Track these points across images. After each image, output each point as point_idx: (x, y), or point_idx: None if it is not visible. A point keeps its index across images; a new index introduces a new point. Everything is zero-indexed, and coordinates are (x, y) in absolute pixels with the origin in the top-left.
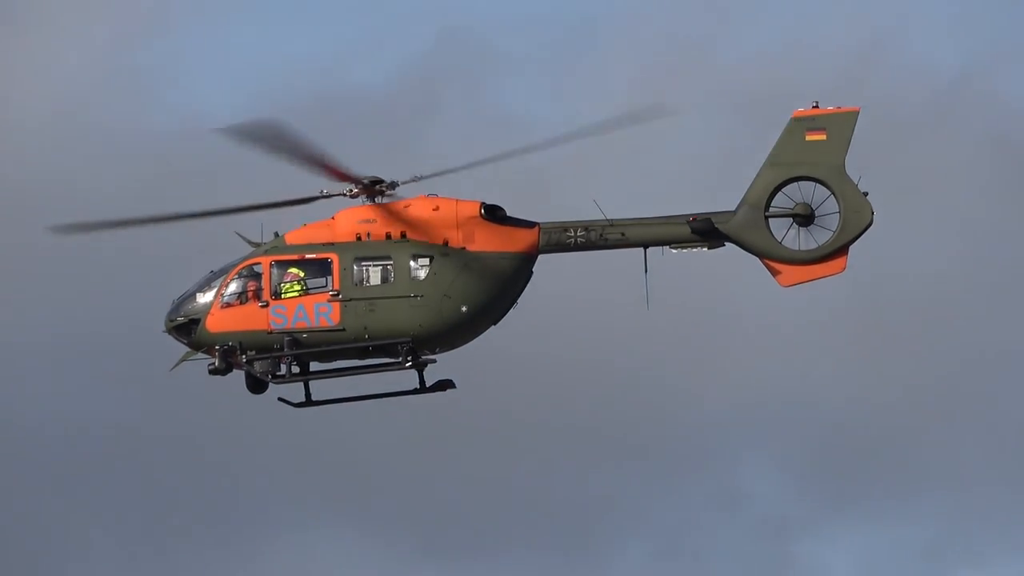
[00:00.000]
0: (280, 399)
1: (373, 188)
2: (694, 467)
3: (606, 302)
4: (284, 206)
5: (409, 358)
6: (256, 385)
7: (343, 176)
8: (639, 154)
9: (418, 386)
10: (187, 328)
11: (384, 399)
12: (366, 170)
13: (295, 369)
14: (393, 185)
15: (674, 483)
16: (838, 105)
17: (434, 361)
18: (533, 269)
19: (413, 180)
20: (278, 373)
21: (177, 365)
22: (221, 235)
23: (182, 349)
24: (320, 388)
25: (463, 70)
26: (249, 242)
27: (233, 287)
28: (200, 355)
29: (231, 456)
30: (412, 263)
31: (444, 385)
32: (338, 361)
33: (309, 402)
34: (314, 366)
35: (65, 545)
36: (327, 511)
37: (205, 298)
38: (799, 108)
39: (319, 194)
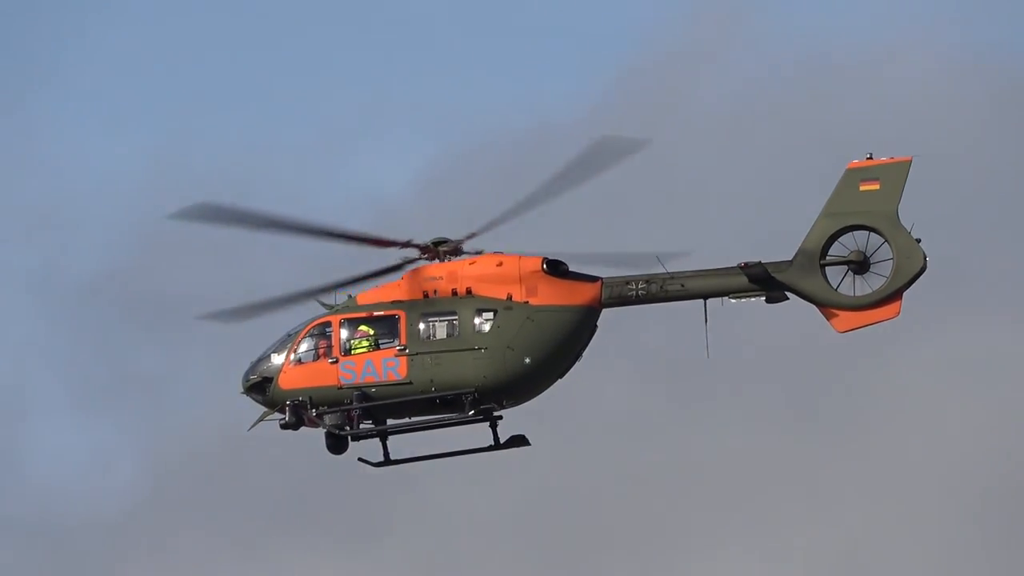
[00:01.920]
0: (360, 459)
1: (438, 248)
2: None
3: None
4: (370, 278)
5: (473, 409)
6: (336, 446)
7: (383, 243)
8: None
9: (493, 443)
10: (262, 387)
11: (460, 456)
12: (434, 231)
13: (368, 424)
14: (458, 246)
15: None
16: (891, 156)
17: (500, 416)
18: (597, 323)
19: (469, 237)
20: (349, 427)
21: (255, 424)
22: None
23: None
24: (396, 447)
25: None
26: (324, 305)
27: (304, 346)
28: (276, 414)
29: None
30: (476, 318)
31: (518, 441)
32: (410, 416)
33: (388, 461)
34: (390, 421)
35: None
36: None
37: (278, 357)
38: (854, 160)
39: (402, 261)
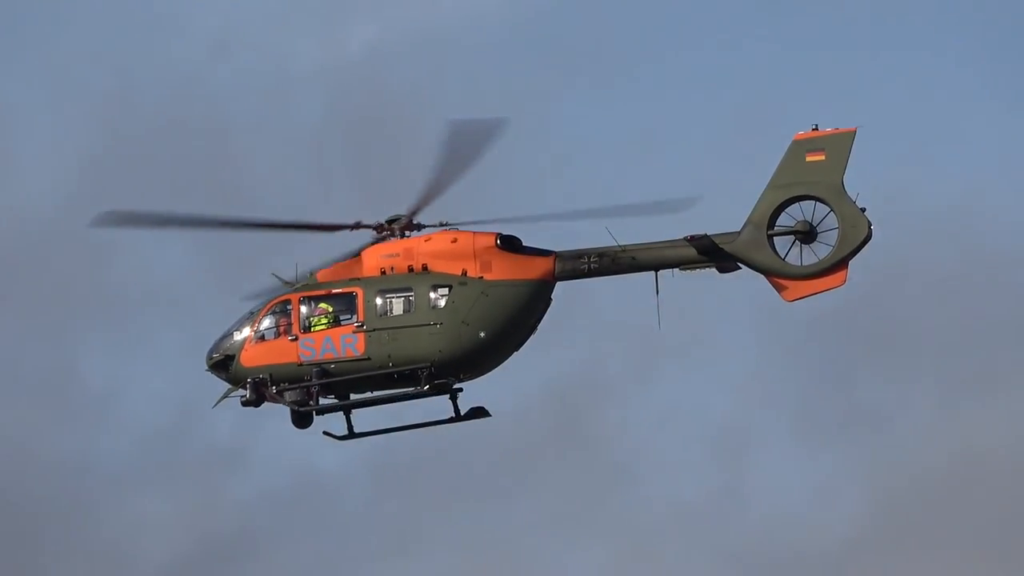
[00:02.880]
0: (325, 433)
1: (394, 225)
2: None
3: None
4: (312, 230)
5: (428, 383)
6: (301, 420)
7: (331, 228)
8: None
9: (454, 415)
10: (224, 364)
11: (422, 428)
12: (390, 208)
13: (331, 400)
14: (412, 222)
15: None
16: (836, 127)
17: (459, 388)
18: (552, 296)
19: (441, 226)
20: (308, 403)
21: (219, 401)
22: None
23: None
24: (360, 420)
25: None
26: (284, 281)
27: (265, 323)
28: (239, 391)
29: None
30: (432, 293)
31: (478, 413)
32: (370, 391)
33: (352, 434)
34: (354, 397)
35: None
36: None
37: (240, 335)
38: (800, 132)
39: (350, 225)
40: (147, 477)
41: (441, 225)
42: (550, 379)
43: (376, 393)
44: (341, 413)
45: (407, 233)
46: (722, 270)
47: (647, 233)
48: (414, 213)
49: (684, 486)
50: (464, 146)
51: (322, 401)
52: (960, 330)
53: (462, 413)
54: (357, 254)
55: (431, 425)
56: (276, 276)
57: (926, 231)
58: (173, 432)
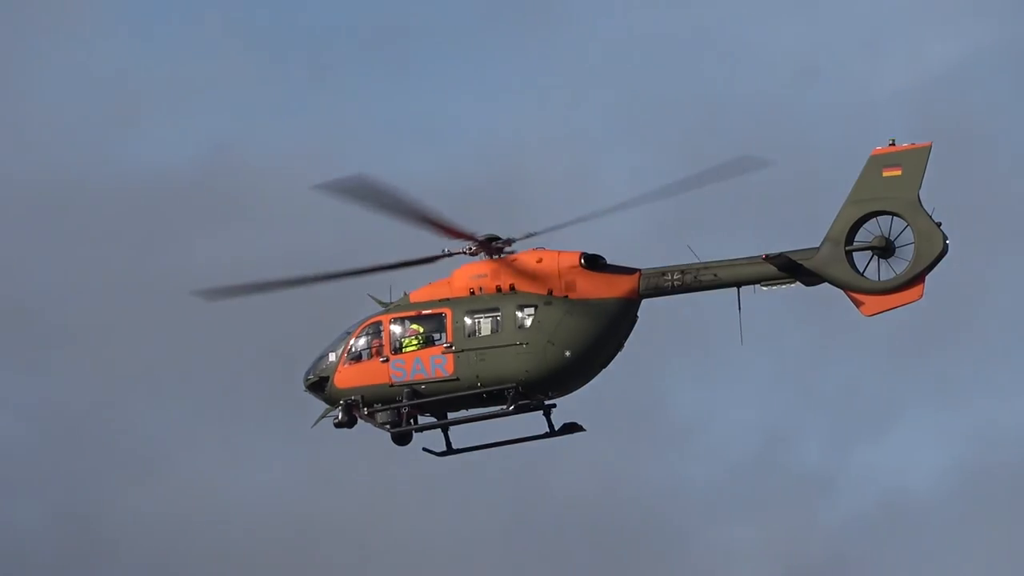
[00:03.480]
0: (424, 449)
1: (490, 245)
2: None
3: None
4: (409, 266)
5: (514, 403)
6: (400, 438)
7: (453, 232)
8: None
9: (548, 430)
10: (320, 385)
11: (518, 444)
12: (486, 228)
13: (429, 419)
14: (509, 241)
15: None
16: (913, 142)
17: (552, 404)
18: (638, 314)
19: (527, 236)
20: (402, 424)
21: (318, 421)
22: (355, 296)
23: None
24: (457, 437)
25: None
26: (379, 302)
27: (357, 345)
28: (335, 411)
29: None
30: (518, 313)
31: (572, 428)
32: (460, 409)
33: (451, 451)
34: (451, 416)
35: None
36: None
37: (334, 356)
38: (877, 147)
39: (441, 253)
40: (734, 504)
41: (528, 236)
42: None
43: (472, 411)
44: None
45: (497, 254)
46: (807, 283)
47: (728, 250)
48: (528, 237)
49: None
50: None
51: (420, 420)
52: None
53: (556, 428)
54: (449, 275)
55: (528, 440)
56: (372, 297)
57: None
58: (757, 460)
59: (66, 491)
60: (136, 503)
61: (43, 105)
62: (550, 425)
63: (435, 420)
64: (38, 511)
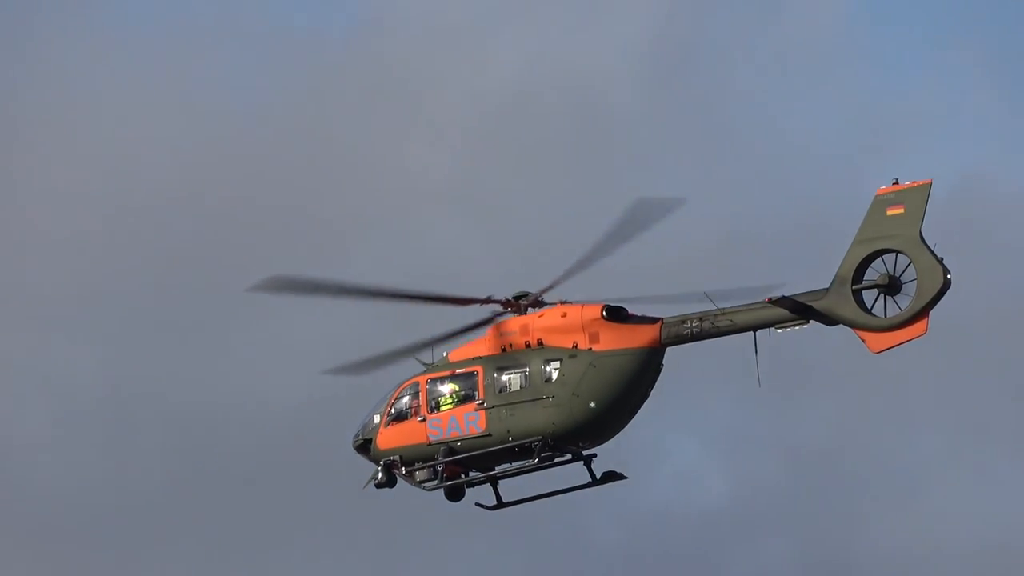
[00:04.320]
0: (477, 504)
1: (518, 302)
2: None
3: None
4: (445, 303)
5: (540, 456)
6: (453, 494)
7: (464, 301)
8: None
9: (590, 479)
10: (366, 447)
11: (564, 494)
12: (517, 285)
13: (476, 474)
14: (538, 298)
15: None
16: (913, 179)
17: (594, 455)
18: (663, 362)
19: (549, 288)
20: (438, 480)
21: (368, 484)
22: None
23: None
24: (506, 490)
25: None
26: (422, 363)
27: (396, 406)
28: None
29: None
30: (545, 368)
31: (613, 476)
32: (496, 463)
33: (501, 504)
34: (498, 469)
35: None
36: None
37: (377, 418)
38: (881, 186)
39: (482, 299)
40: None
41: (562, 303)
42: None
43: (515, 464)
44: (489, 485)
45: (530, 309)
46: (827, 324)
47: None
48: (544, 291)
49: None
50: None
51: (461, 477)
52: None
53: (598, 477)
54: (485, 333)
55: (573, 491)
56: (419, 360)
57: None
58: None
59: None
60: None
61: None
62: (591, 474)
63: (482, 475)
64: None
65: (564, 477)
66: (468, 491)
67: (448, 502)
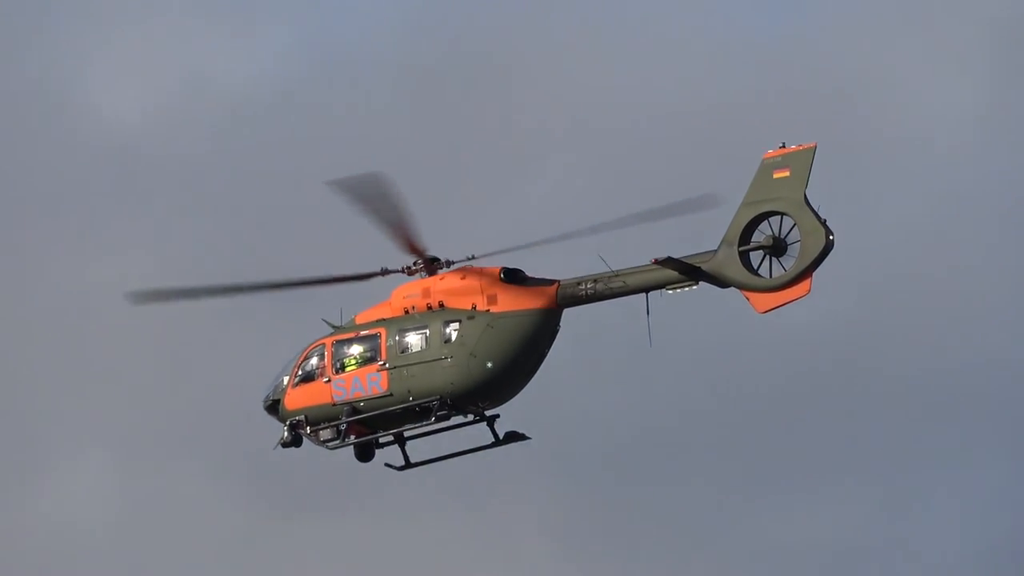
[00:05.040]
0: (386, 464)
1: (431, 265)
2: None
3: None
4: (345, 281)
5: (437, 415)
6: (364, 454)
7: (413, 247)
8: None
9: (494, 440)
10: (275, 408)
11: (469, 454)
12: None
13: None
14: (449, 263)
15: None
16: (800, 143)
17: (496, 416)
18: (559, 324)
19: (468, 259)
20: (341, 441)
21: (277, 445)
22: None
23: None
24: (412, 450)
25: None
26: (331, 325)
27: (303, 367)
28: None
29: None
30: (444, 329)
31: (515, 437)
32: (400, 425)
33: (409, 464)
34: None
35: None
36: None
37: (285, 379)
38: (769, 150)
39: (379, 272)
40: None
41: (469, 259)
42: None
43: (425, 424)
44: (396, 446)
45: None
46: (717, 284)
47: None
48: (471, 259)
49: None
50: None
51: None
52: None
53: (500, 438)
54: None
55: (477, 451)
56: (326, 322)
57: None
58: None
59: None
60: None
61: None
62: (495, 435)
63: (392, 436)
64: None
65: (471, 438)
66: (377, 452)
67: (358, 462)
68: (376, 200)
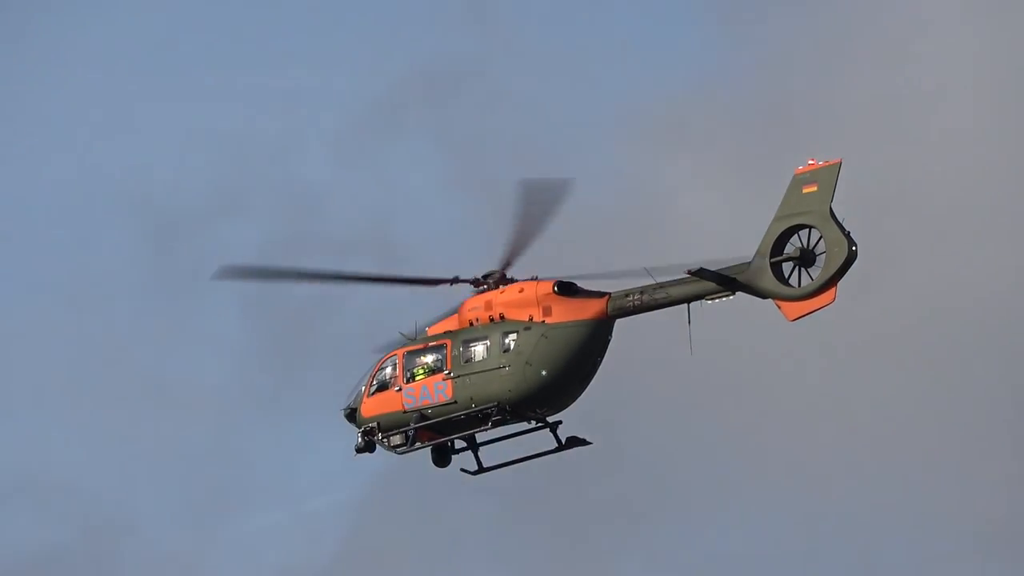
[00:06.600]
0: (462, 469)
1: (487, 280)
2: None
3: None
4: (414, 284)
5: (495, 420)
6: (440, 460)
7: (511, 260)
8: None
9: (556, 445)
10: (353, 416)
11: (535, 459)
12: (491, 264)
13: (458, 444)
14: (505, 276)
15: None
16: (827, 159)
17: (559, 422)
18: (611, 334)
19: (531, 279)
20: (410, 445)
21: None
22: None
23: None
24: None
25: None
26: (405, 337)
27: (378, 377)
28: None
29: None
30: (503, 340)
31: (576, 442)
32: (468, 429)
33: (482, 469)
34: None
35: None
36: None
37: (362, 388)
38: (799, 166)
39: (449, 280)
40: None
41: (532, 278)
42: None
43: (495, 432)
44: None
45: (495, 286)
46: (753, 295)
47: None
48: (505, 268)
49: None
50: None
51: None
52: None
53: (563, 442)
54: (457, 309)
55: (543, 455)
56: (401, 334)
57: None
58: None
59: None
60: None
61: None
62: (557, 440)
63: (466, 442)
64: None
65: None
66: (454, 458)
67: (436, 467)
68: (542, 206)
